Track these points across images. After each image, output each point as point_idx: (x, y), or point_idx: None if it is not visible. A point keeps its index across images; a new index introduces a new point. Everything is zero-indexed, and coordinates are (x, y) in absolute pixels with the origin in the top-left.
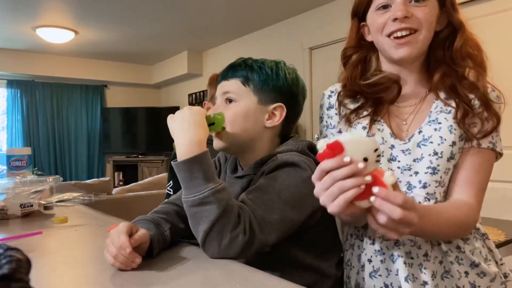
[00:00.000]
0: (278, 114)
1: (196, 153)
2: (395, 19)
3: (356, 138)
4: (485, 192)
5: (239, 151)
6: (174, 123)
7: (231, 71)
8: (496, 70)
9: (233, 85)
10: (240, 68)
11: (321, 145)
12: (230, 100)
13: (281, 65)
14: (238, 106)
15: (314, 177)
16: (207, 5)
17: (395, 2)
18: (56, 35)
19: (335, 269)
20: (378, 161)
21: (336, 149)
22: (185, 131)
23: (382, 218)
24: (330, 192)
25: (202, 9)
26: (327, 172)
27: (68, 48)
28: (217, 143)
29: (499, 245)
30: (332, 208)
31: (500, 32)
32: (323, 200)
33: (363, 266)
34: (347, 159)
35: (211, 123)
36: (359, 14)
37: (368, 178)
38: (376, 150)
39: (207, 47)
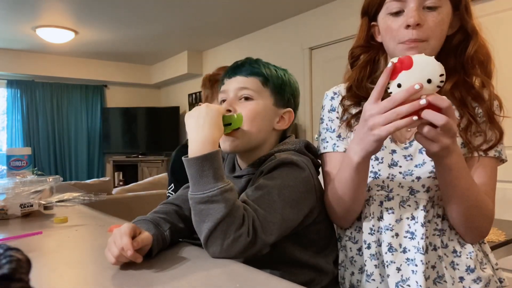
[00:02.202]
0: (287, 118)
1: (208, 151)
2: (407, 26)
3: (427, 59)
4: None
5: (247, 150)
6: (190, 119)
7: (248, 67)
8: (496, 70)
9: (252, 83)
10: (258, 67)
11: (393, 60)
12: (246, 98)
13: (289, 73)
14: (258, 105)
15: (373, 98)
16: (207, 5)
17: (408, 7)
18: (56, 35)
19: (333, 265)
20: (439, 86)
21: (405, 63)
22: (200, 129)
23: (425, 129)
24: (386, 117)
25: (202, 9)
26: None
27: (68, 48)
28: (230, 143)
29: (499, 245)
30: (381, 131)
31: (499, 32)
32: (377, 121)
33: (359, 269)
34: (417, 86)
35: (227, 124)
36: (370, 14)
37: (423, 102)
38: (441, 75)
39: (207, 47)
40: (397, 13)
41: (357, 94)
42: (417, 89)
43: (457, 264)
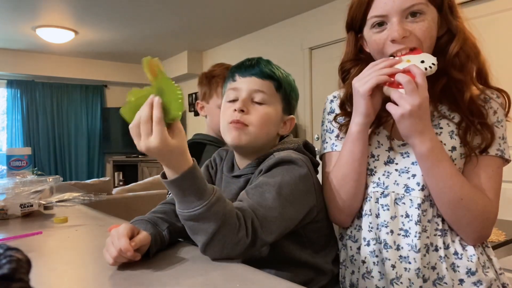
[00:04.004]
0: (288, 124)
1: (183, 168)
2: (393, 41)
3: (430, 55)
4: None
5: (250, 151)
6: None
7: (263, 68)
8: (495, 70)
9: (267, 87)
10: (272, 70)
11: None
12: (259, 101)
13: (292, 77)
14: (271, 110)
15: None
16: (207, 5)
17: (391, 20)
18: (56, 35)
19: (332, 265)
20: (426, 68)
21: (415, 51)
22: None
23: (393, 91)
24: (369, 73)
25: (202, 9)
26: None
27: (68, 48)
28: (234, 137)
29: (499, 245)
30: (363, 84)
31: (499, 32)
32: (362, 81)
33: (358, 268)
34: (397, 58)
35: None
36: (355, 28)
37: (400, 68)
38: (433, 64)
39: (207, 47)
40: (381, 26)
41: (349, 113)
42: (395, 59)
43: (458, 266)
